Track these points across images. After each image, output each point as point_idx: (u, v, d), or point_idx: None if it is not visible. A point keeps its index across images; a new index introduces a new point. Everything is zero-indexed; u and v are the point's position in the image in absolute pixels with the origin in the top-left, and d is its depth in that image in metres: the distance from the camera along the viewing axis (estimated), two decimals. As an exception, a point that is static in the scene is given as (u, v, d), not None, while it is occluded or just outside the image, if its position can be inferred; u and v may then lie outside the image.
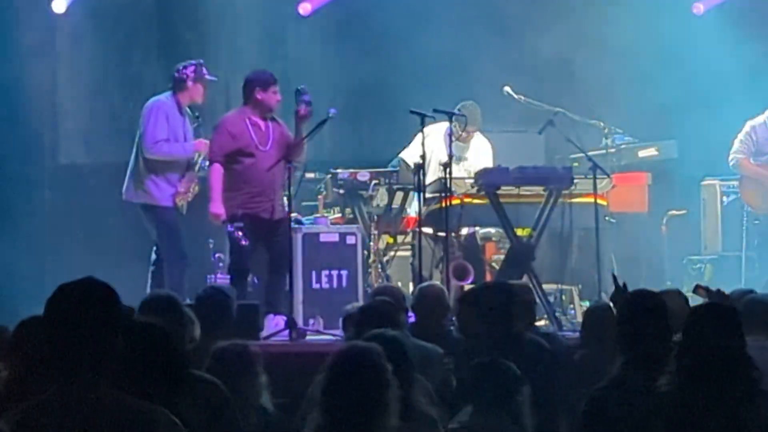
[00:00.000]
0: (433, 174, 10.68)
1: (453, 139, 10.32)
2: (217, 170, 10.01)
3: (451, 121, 10.27)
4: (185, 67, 10.56)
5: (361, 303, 8.94)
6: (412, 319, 7.49)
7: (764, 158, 11.64)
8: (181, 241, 10.41)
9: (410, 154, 11.24)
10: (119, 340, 3.59)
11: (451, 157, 10.03)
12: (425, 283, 8.38)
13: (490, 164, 11.06)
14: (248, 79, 10.19)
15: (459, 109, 10.81)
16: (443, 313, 7.55)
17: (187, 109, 10.63)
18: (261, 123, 10.10)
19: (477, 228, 10.84)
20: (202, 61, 10.68)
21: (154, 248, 10.51)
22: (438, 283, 8.72)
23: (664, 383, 4.59)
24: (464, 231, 10.75)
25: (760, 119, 11.68)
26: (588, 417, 5.00)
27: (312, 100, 9.96)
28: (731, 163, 11.64)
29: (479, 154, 11.24)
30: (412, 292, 10.26)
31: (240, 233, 9.82)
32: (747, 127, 11.67)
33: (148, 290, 9.83)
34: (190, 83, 10.49)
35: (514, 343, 6.14)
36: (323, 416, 4.28)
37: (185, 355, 3.97)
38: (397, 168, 11.11)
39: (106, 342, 3.56)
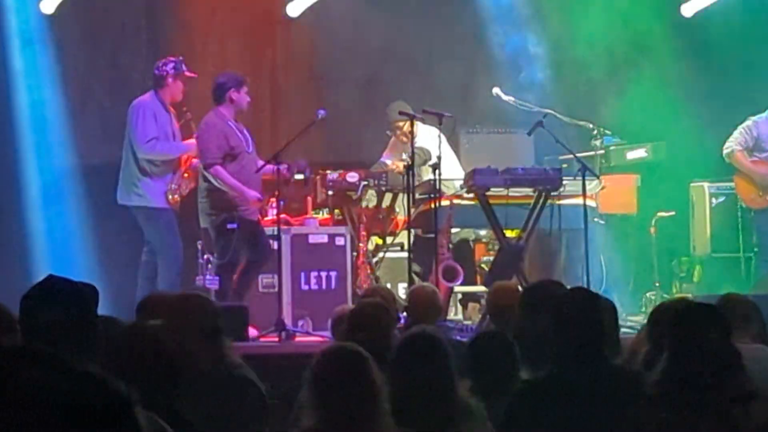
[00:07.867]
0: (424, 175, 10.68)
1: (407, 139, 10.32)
2: (222, 170, 9.89)
3: (440, 122, 10.25)
4: (165, 64, 10.47)
5: (350, 304, 8.95)
6: (402, 321, 7.47)
7: (765, 155, 11.53)
8: (176, 244, 10.35)
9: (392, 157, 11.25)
10: (95, 331, 3.53)
11: (440, 158, 10.03)
12: (416, 285, 8.34)
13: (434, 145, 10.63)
14: (220, 82, 10.11)
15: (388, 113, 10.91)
16: (436, 314, 7.51)
17: (171, 108, 10.57)
18: (236, 125, 10.08)
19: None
20: (182, 57, 10.59)
21: (145, 249, 10.46)
22: (429, 284, 8.69)
23: (652, 387, 4.55)
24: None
25: (763, 115, 11.55)
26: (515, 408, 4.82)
27: None
28: (725, 152, 11.48)
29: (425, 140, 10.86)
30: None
31: (234, 234, 9.82)
32: (749, 122, 11.50)
33: (138, 292, 9.79)
34: (170, 80, 10.41)
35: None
36: (315, 416, 4.23)
37: (182, 357, 3.93)
38: (385, 169, 11.10)
39: (81, 337, 3.50)
